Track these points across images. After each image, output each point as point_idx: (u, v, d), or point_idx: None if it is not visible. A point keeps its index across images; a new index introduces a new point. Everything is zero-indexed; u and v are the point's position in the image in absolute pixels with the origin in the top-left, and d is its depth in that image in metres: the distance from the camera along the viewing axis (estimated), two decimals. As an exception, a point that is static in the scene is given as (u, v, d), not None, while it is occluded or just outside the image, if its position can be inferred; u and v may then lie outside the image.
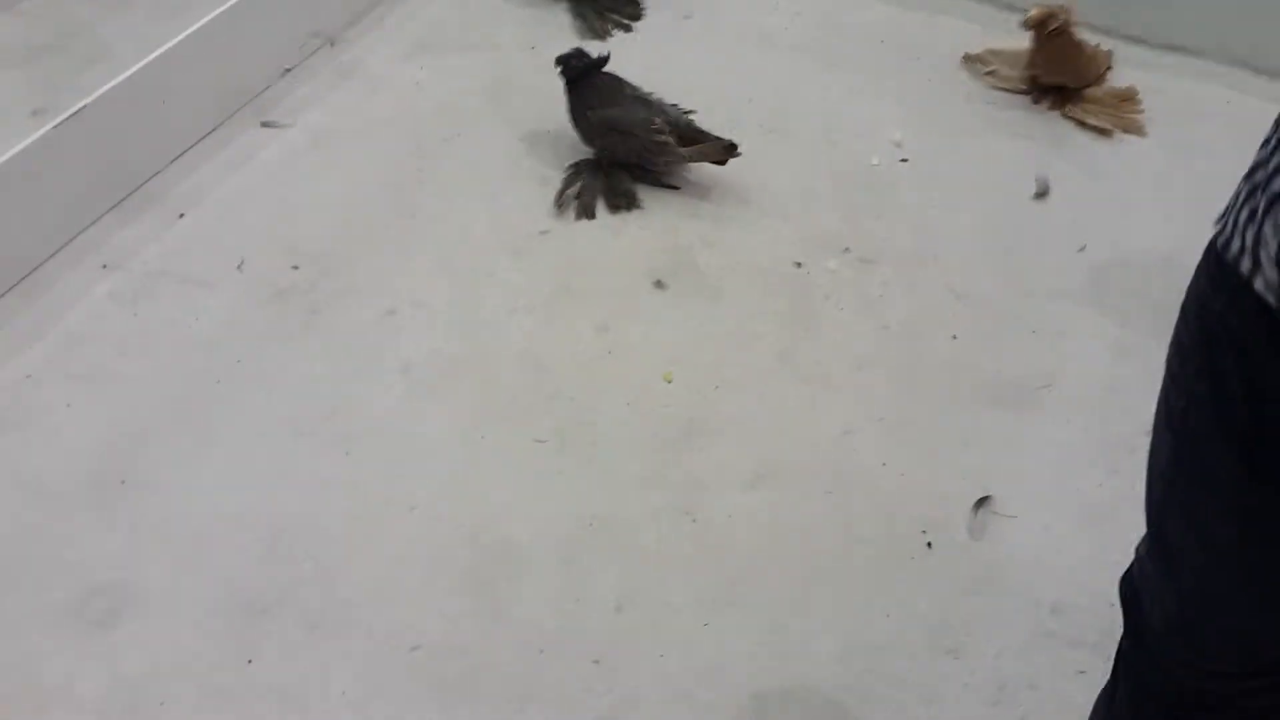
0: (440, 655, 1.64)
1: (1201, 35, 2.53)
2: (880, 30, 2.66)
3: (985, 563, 1.73)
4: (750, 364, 2.01)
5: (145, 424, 1.91)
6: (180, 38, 2.29)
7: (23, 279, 2.10)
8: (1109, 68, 2.52)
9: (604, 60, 2.33)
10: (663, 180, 2.32)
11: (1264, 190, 0.83)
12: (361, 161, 2.36)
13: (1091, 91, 2.46)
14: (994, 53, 2.56)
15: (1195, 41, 2.54)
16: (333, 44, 2.62)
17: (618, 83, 2.34)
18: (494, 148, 2.39)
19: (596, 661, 1.63)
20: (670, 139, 2.27)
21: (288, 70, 2.54)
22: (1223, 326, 0.88)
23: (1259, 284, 0.84)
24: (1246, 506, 0.93)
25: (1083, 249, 2.17)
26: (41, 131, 2.09)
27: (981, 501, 1.79)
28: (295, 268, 2.15)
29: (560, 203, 2.27)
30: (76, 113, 2.13)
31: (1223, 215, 0.89)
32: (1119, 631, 1.17)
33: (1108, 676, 1.23)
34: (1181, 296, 0.94)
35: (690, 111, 2.33)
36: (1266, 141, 0.85)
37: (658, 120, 2.28)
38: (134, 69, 2.22)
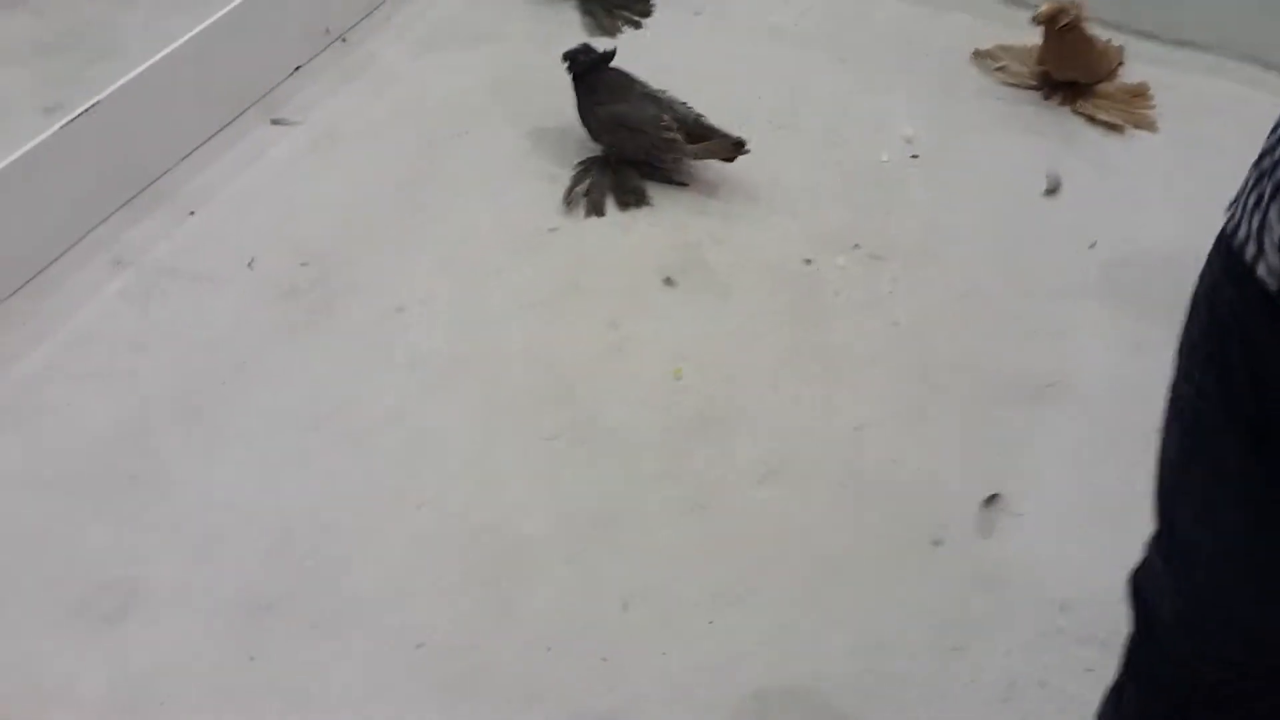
0: (446, 653, 1.64)
1: (1213, 31, 2.52)
2: (889, 25, 2.65)
3: (994, 560, 1.72)
4: (760, 360, 2.00)
5: (154, 420, 1.91)
6: (190, 35, 2.29)
7: (34, 276, 2.11)
8: (1120, 63, 2.51)
9: (610, 55, 2.33)
10: (671, 177, 2.31)
11: (1270, 176, 0.84)
12: (371, 158, 2.36)
13: (1102, 87, 2.45)
14: (1004, 48, 2.55)
15: (1207, 37, 2.53)
16: (343, 41, 2.62)
17: (626, 79, 2.33)
18: (503, 145, 2.39)
19: (604, 659, 1.63)
20: (678, 135, 2.27)
21: (297, 68, 2.54)
22: (1231, 315, 0.88)
23: (1261, 270, 0.84)
24: (1255, 496, 0.93)
25: (1093, 245, 2.17)
26: (53, 129, 2.09)
27: (991, 499, 1.79)
28: (304, 265, 2.15)
29: (569, 200, 2.26)
30: (87, 110, 2.13)
31: (1233, 202, 0.89)
32: (1128, 629, 1.17)
33: (1116, 674, 1.22)
34: (1192, 292, 0.94)
35: (699, 116, 2.32)
36: (1276, 128, 0.85)
37: (666, 117, 2.27)
38: (144, 66, 2.23)
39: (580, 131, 2.34)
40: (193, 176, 2.30)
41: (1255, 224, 0.84)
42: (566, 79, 2.32)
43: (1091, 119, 2.41)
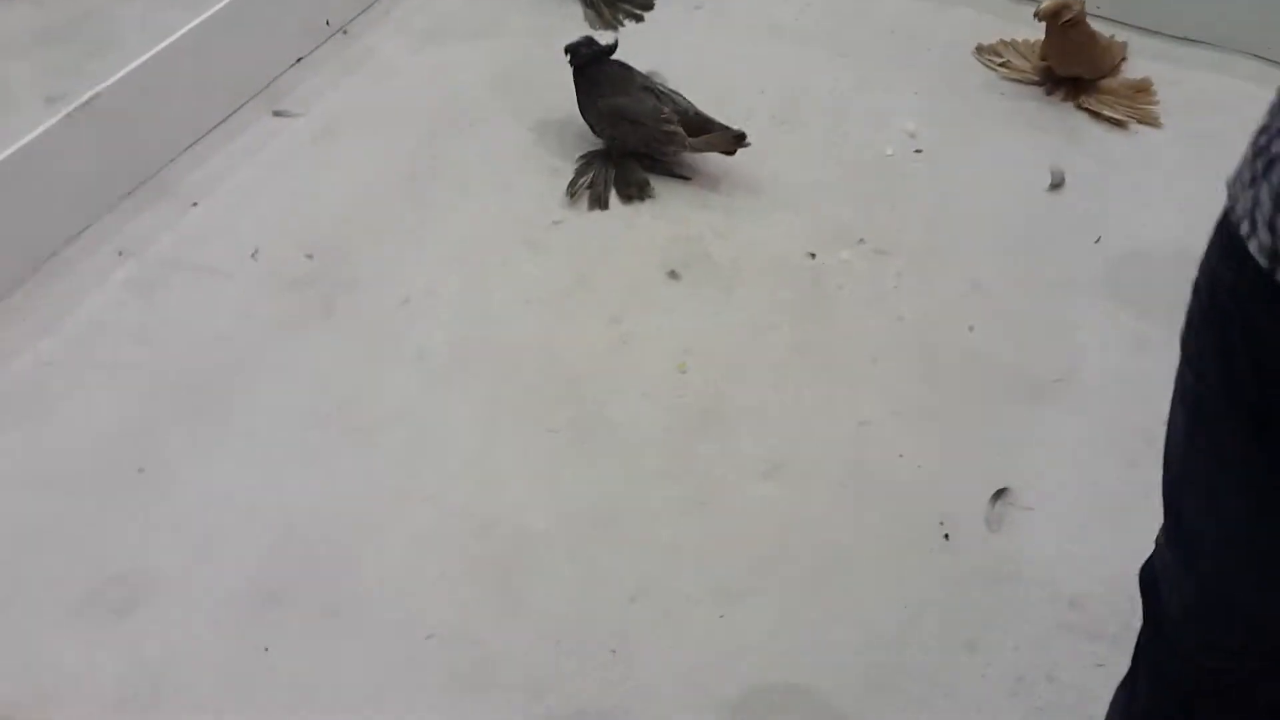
0: (454, 645, 1.64)
1: (1217, 26, 2.52)
2: (892, 20, 2.65)
3: (1003, 555, 1.72)
4: (765, 355, 2.00)
5: (161, 412, 1.90)
6: (191, 25, 2.29)
7: (37, 268, 2.10)
8: (1124, 59, 2.52)
9: (613, 48, 2.32)
10: (673, 171, 2.31)
11: (1264, 153, 0.84)
12: (373, 151, 2.36)
13: (1106, 83, 2.46)
14: (1007, 43, 2.55)
15: (1211, 33, 2.53)
16: (345, 33, 2.61)
17: (628, 72, 2.33)
18: (505, 137, 2.39)
19: (612, 651, 1.63)
20: (679, 128, 2.26)
21: (299, 59, 2.53)
22: (1231, 299, 0.88)
23: (1253, 246, 0.84)
24: (1256, 484, 0.93)
25: (1098, 241, 2.17)
26: (55, 119, 2.09)
27: (999, 494, 1.79)
28: (309, 257, 2.15)
29: (573, 193, 2.26)
30: (89, 101, 2.13)
31: (1231, 180, 0.89)
32: (1138, 624, 1.17)
33: (1126, 668, 1.22)
34: (1194, 278, 0.94)
35: (701, 114, 2.31)
36: (1273, 107, 0.85)
37: (666, 109, 2.27)
38: (145, 57, 2.22)
39: (582, 125, 2.34)
40: (195, 168, 2.30)
41: (1249, 201, 0.85)
42: (568, 72, 2.32)
43: (1095, 115, 2.41)
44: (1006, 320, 2.04)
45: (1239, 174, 0.87)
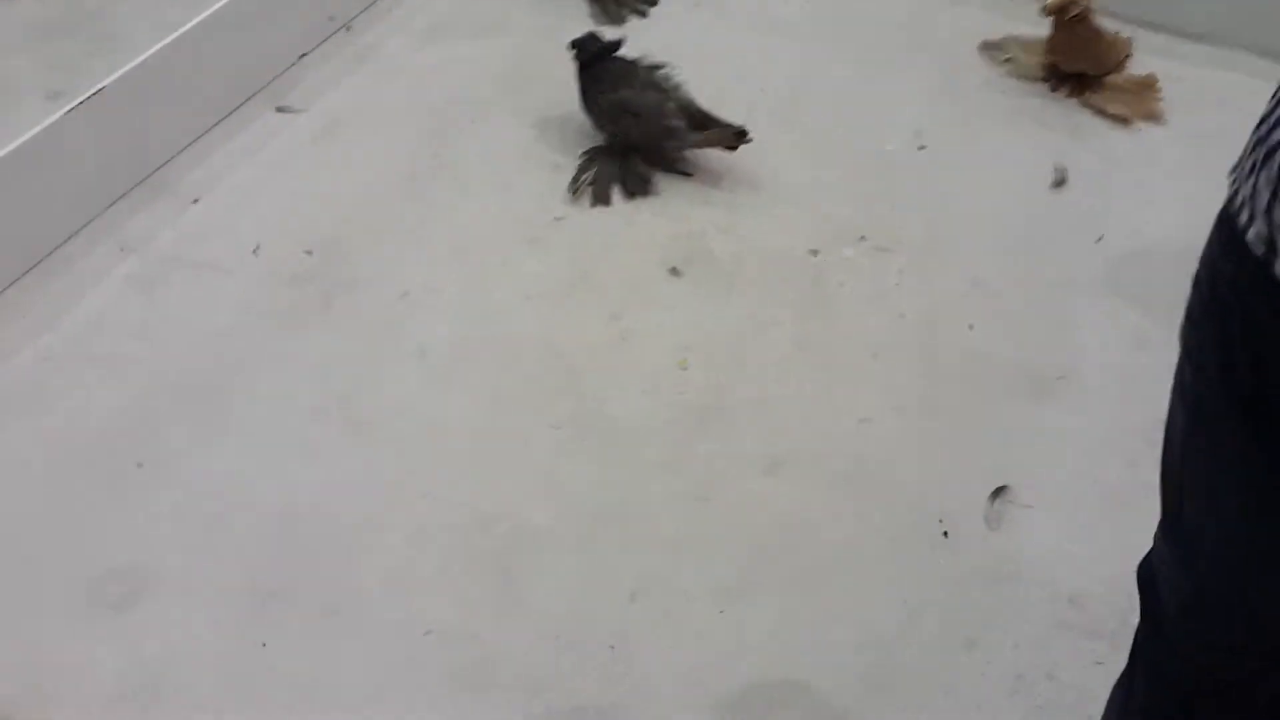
0: (454, 641, 1.64)
1: (1222, 23, 2.51)
2: (895, 16, 2.64)
3: (1002, 553, 1.72)
4: (766, 351, 2.00)
5: (161, 408, 1.91)
6: (194, 21, 2.29)
7: (39, 262, 2.10)
8: (1128, 55, 2.51)
9: (618, 45, 2.32)
10: (675, 167, 2.31)
11: (1264, 143, 0.83)
12: (376, 147, 2.36)
13: (1111, 79, 2.45)
14: (1012, 40, 2.55)
15: (1216, 29, 2.52)
16: (348, 29, 2.61)
17: (630, 67, 2.33)
18: (508, 134, 2.39)
19: (611, 648, 1.63)
20: (681, 123, 2.26)
21: (302, 56, 2.53)
22: (1231, 292, 0.88)
23: (1251, 235, 0.83)
24: (1255, 482, 0.93)
25: (1101, 238, 2.16)
26: (57, 115, 2.09)
27: (999, 491, 1.79)
28: (310, 253, 2.15)
29: (575, 189, 2.26)
30: (91, 96, 2.13)
31: (1233, 169, 0.89)
32: (1137, 623, 1.16)
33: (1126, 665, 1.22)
34: (1195, 271, 0.94)
35: (702, 111, 2.31)
36: (1275, 95, 0.85)
37: (670, 104, 2.27)
38: (148, 53, 2.22)
39: (584, 121, 2.34)
40: (197, 164, 2.30)
41: (1248, 190, 0.84)
42: (571, 69, 2.31)
43: (1099, 111, 2.41)
44: (1008, 318, 2.04)
45: (1240, 163, 0.87)
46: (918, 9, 2.65)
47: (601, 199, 2.25)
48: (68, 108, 2.10)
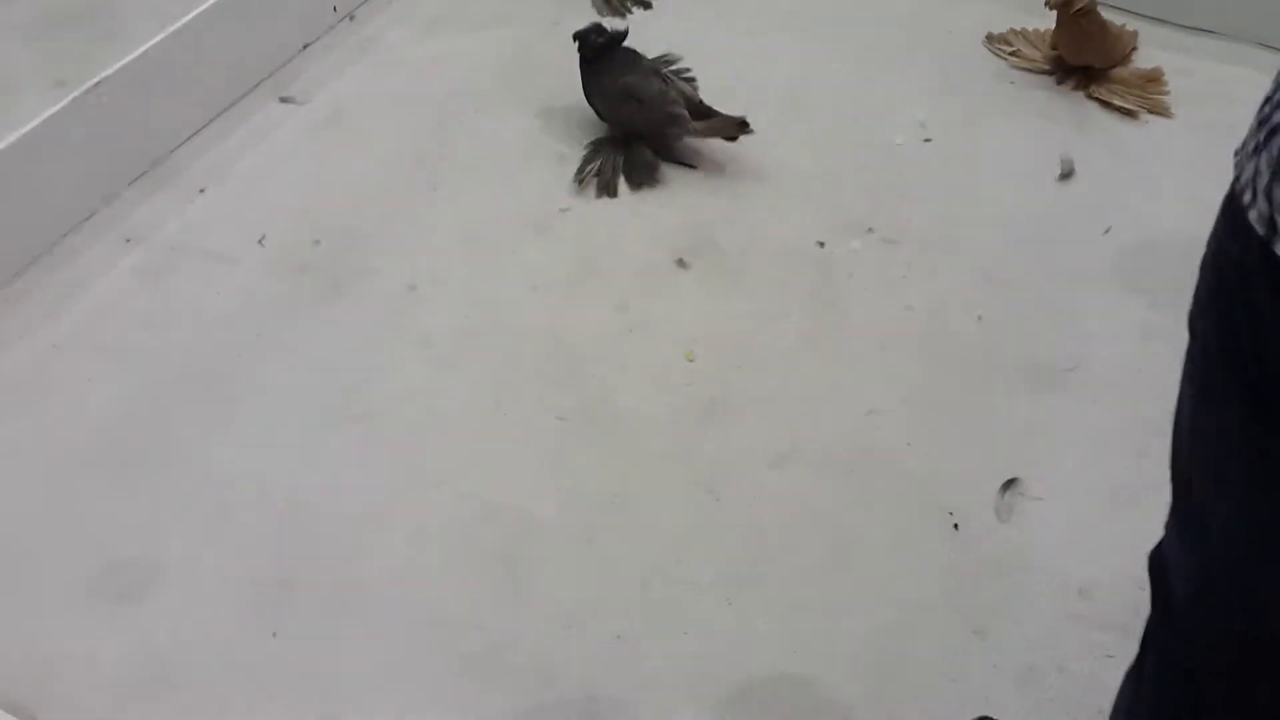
0: (461, 631, 1.64)
1: (1229, 16, 2.51)
2: (901, 8, 2.64)
3: (1012, 545, 1.72)
4: (773, 343, 2.00)
5: (168, 397, 1.90)
6: (198, 11, 2.28)
7: (45, 252, 2.10)
8: (1134, 48, 2.50)
9: (622, 36, 2.32)
10: (679, 158, 2.30)
11: (1267, 124, 0.83)
12: (380, 137, 2.35)
13: (1117, 72, 2.44)
14: (1017, 32, 2.54)
15: (1222, 22, 2.52)
16: (352, 19, 2.60)
17: (634, 57, 2.32)
18: (513, 124, 2.38)
19: (619, 638, 1.63)
20: (684, 110, 2.26)
21: (305, 46, 2.53)
22: (1236, 274, 0.88)
23: (1253, 216, 0.84)
24: (1258, 462, 0.93)
25: (1108, 231, 2.16)
26: (62, 104, 2.08)
27: (1008, 483, 1.78)
28: (316, 243, 2.14)
29: (580, 180, 2.25)
30: (95, 85, 2.12)
31: (1237, 150, 0.89)
32: (1147, 613, 1.16)
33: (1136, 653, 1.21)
34: (1203, 255, 0.94)
35: (705, 105, 2.30)
36: (1278, 74, 0.85)
37: (672, 92, 2.27)
38: (153, 42, 2.22)
39: (589, 112, 2.33)
40: (202, 154, 2.29)
41: (1251, 170, 0.84)
42: (575, 60, 2.31)
43: (1105, 104, 2.40)
44: (1016, 310, 2.04)
45: (1244, 144, 0.87)
46: (923, 2, 2.65)
47: (607, 190, 2.24)
48: (71, 97, 2.09)
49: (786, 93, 2.44)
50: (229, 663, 1.60)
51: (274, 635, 1.63)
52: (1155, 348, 1.93)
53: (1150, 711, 1.17)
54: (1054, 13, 2.38)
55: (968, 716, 1.53)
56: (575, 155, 2.30)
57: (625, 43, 2.32)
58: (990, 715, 1.54)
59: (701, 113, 2.29)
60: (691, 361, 1.97)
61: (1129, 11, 2.55)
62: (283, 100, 2.42)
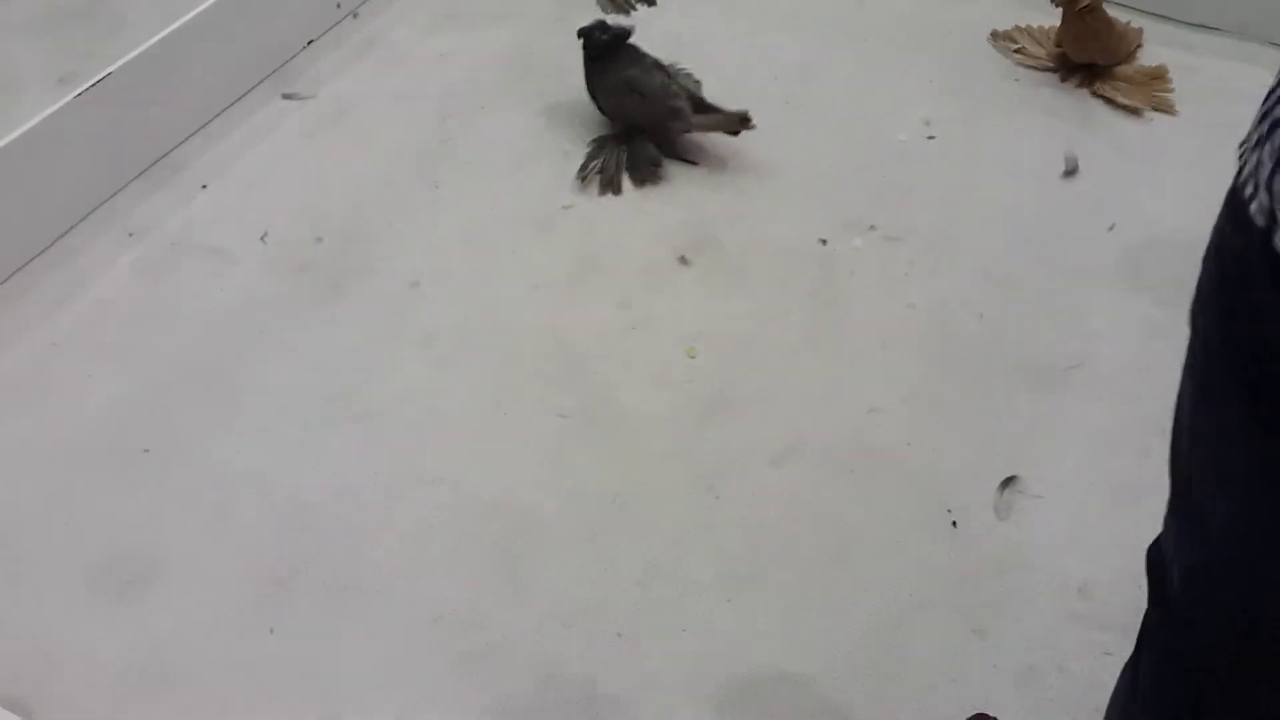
0: (462, 627, 1.64)
1: (1234, 13, 2.50)
2: (905, 6, 2.63)
3: (1012, 543, 1.71)
4: (775, 340, 1.99)
5: (169, 393, 1.90)
6: (202, 7, 2.28)
7: (47, 247, 2.10)
8: (1139, 45, 2.50)
9: (628, 34, 2.31)
10: (681, 156, 2.30)
11: (1269, 116, 0.83)
12: (384, 134, 2.35)
13: (1121, 70, 2.44)
14: (1022, 30, 2.54)
15: (1227, 20, 2.51)
16: (355, 16, 2.60)
17: (637, 52, 2.32)
18: (517, 121, 2.38)
19: (619, 635, 1.63)
20: (685, 104, 2.26)
21: (309, 42, 2.53)
22: (1237, 266, 0.87)
23: (1254, 208, 0.83)
24: (1257, 457, 0.92)
25: (1112, 228, 2.15)
26: (66, 99, 2.08)
27: (1008, 481, 1.78)
28: (319, 240, 2.14)
29: (583, 177, 2.25)
30: (99, 81, 2.12)
31: (1241, 142, 0.88)
32: (1145, 604, 1.16)
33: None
34: (1206, 247, 0.94)
35: (707, 102, 2.30)
36: None
37: (675, 86, 2.26)
38: (157, 38, 2.22)
39: (593, 110, 2.33)
40: (205, 150, 2.30)
41: (1253, 163, 0.84)
42: (579, 57, 2.31)
43: (1110, 102, 2.39)
44: (1018, 307, 2.03)
45: (1247, 137, 0.87)
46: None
47: (610, 187, 2.24)
48: (76, 92, 2.10)
49: (789, 90, 2.43)
50: (228, 661, 1.60)
51: (273, 633, 1.63)
52: (1158, 346, 1.93)
53: (1149, 710, 1.17)
54: (1059, 10, 2.37)
55: (966, 715, 1.53)
56: (578, 152, 2.30)
57: (629, 40, 2.32)
58: (987, 713, 1.54)
59: (704, 109, 2.29)
60: (693, 359, 1.97)
61: (1134, 9, 2.54)
62: (285, 97, 2.42)
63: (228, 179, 2.25)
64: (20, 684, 1.57)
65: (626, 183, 2.25)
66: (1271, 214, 0.82)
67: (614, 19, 2.44)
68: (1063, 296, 2.04)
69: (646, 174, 2.25)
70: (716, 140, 2.30)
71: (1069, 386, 1.91)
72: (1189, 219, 2.13)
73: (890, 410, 1.89)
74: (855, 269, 2.10)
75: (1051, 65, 2.47)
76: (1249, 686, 1.08)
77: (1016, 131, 2.35)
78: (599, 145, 2.30)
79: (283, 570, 1.69)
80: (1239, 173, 0.87)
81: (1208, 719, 1.10)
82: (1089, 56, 2.42)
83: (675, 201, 2.23)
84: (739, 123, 2.25)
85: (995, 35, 2.54)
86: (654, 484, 1.80)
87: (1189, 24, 2.54)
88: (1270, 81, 0.89)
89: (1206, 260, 0.93)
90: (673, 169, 2.28)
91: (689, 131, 2.28)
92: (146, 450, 1.83)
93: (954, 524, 1.74)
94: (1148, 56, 2.48)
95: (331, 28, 2.56)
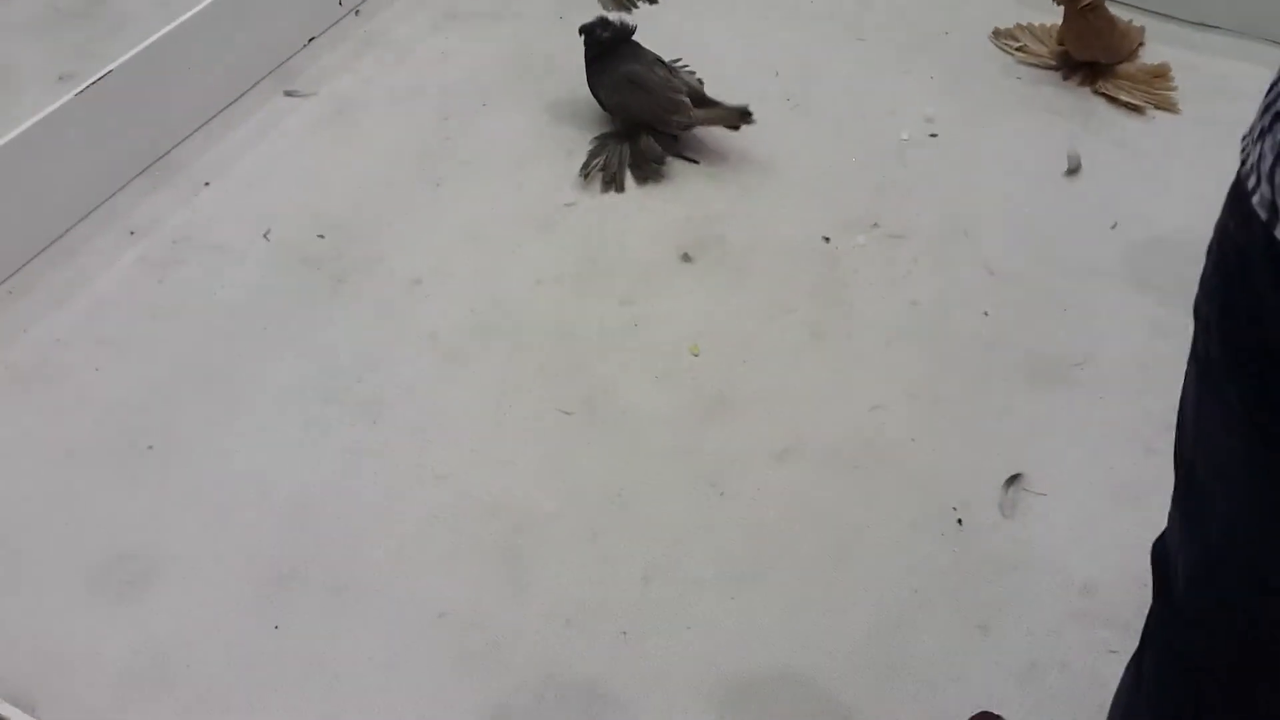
0: (465, 624, 1.64)
1: (1236, 11, 2.50)
2: (907, 3, 2.63)
3: (1016, 541, 1.71)
4: (778, 338, 1.99)
5: (172, 390, 1.90)
6: (204, 5, 2.28)
7: (50, 244, 2.10)
8: (1141, 44, 2.49)
9: (630, 31, 2.31)
10: (682, 153, 2.30)
11: (1271, 109, 0.83)
12: (386, 131, 2.35)
13: (1123, 68, 2.43)
14: (1024, 28, 2.54)
15: (1229, 18, 2.51)
16: (357, 13, 2.60)
17: (637, 49, 2.32)
18: (519, 119, 2.38)
19: (623, 633, 1.63)
20: (685, 98, 2.25)
21: (311, 39, 2.53)
22: (1239, 257, 0.88)
23: (1256, 200, 0.83)
24: (1258, 447, 0.92)
25: (1114, 226, 2.15)
26: (67, 97, 2.08)
27: (1013, 479, 1.78)
28: (321, 237, 2.14)
29: (586, 174, 2.25)
30: (101, 79, 2.12)
31: (1244, 135, 0.88)
32: (1150, 600, 1.15)
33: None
34: (1209, 239, 0.94)
35: (713, 101, 2.30)
36: None
37: (676, 80, 2.26)
38: (158, 36, 2.22)
39: (595, 107, 2.33)
40: (207, 148, 2.30)
41: (1255, 155, 0.84)
42: (581, 54, 2.30)
43: (1112, 100, 2.39)
44: (1021, 305, 2.03)
45: (1250, 130, 0.87)
46: (929, -3, 2.64)
47: (613, 184, 2.24)
48: (78, 90, 2.10)
49: (791, 87, 2.43)
50: (231, 658, 1.60)
51: (276, 630, 1.63)
52: (1162, 344, 1.93)
53: (1150, 709, 1.17)
54: (1061, 8, 2.37)
55: (970, 713, 1.53)
56: (581, 150, 2.30)
57: (631, 38, 2.32)
58: (992, 711, 1.54)
59: (705, 103, 2.28)
60: (696, 356, 1.97)
61: (1136, 7, 2.54)
62: (288, 94, 2.42)
63: (229, 177, 2.25)
64: (23, 681, 1.57)
65: (629, 180, 2.25)
66: (1273, 206, 0.82)
67: (616, 16, 2.43)
68: (1066, 294, 2.04)
69: (649, 171, 2.25)
70: (719, 138, 2.30)
71: (1072, 384, 1.91)
72: (1192, 217, 2.13)
73: (893, 408, 1.89)
74: (858, 266, 2.10)
75: (1054, 63, 2.47)
76: (1249, 686, 1.08)
77: (1019, 130, 2.35)
78: (601, 143, 2.30)
79: (285, 567, 1.69)
80: (1242, 165, 0.87)
81: (1208, 718, 1.10)
82: (1091, 55, 2.42)
83: (678, 199, 2.23)
84: (740, 117, 2.25)
85: (997, 33, 2.54)
86: (656, 482, 1.80)
87: (1191, 22, 2.54)
88: (1270, 76, 0.89)
89: (1210, 252, 0.93)
90: (675, 167, 2.28)
91: (690, 125, 2.28)
92: (150, 446, 1.83)
93: (958, 521, 1.74)
94: (1150, 55, 2.48)
95: (333, 25, 2.56)
